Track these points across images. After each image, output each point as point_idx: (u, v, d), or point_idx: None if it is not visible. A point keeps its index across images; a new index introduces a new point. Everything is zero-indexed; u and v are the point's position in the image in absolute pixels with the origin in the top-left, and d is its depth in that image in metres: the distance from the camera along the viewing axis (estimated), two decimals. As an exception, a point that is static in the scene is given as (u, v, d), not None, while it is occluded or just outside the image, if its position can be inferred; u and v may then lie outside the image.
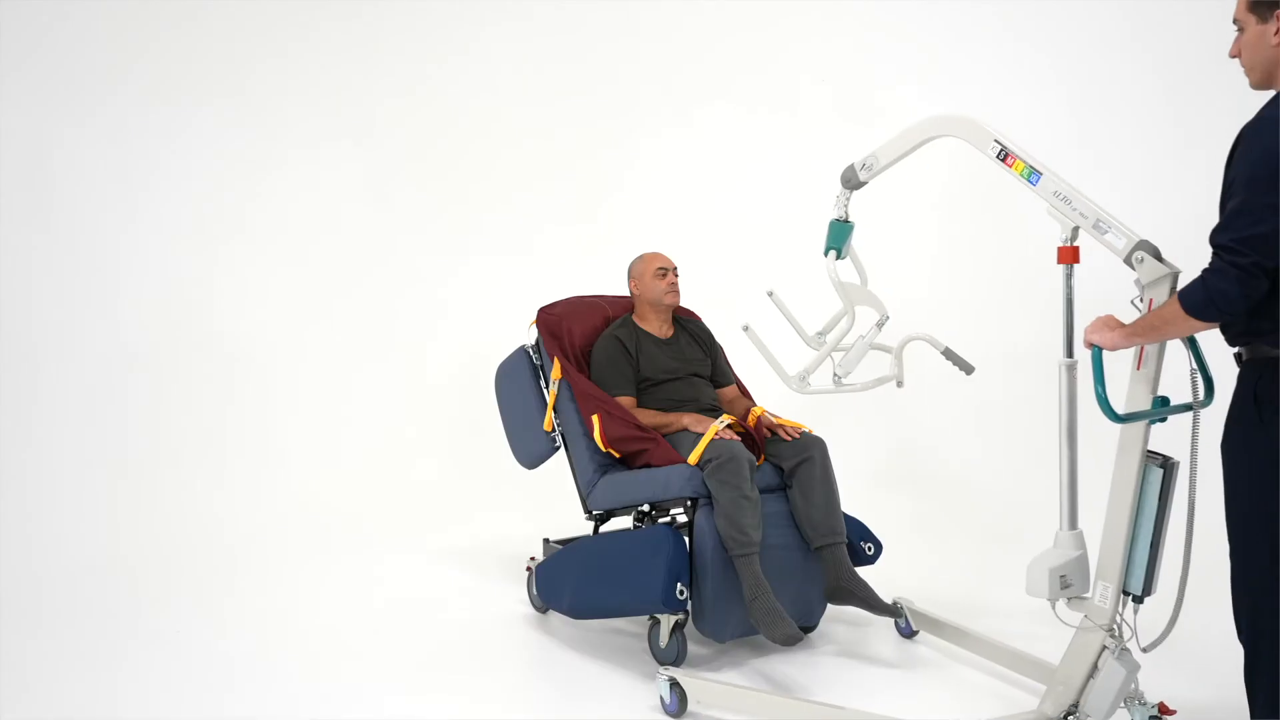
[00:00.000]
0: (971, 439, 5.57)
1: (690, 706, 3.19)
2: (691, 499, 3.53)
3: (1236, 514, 2.47)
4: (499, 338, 4.68)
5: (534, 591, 4.07)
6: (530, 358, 4.15)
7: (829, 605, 3.72)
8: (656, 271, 4.05)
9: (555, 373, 4.00)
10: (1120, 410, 2.60)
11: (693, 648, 3.60)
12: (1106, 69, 5.45)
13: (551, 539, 4.20)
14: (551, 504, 4.89)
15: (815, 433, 3.79)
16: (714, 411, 3.95)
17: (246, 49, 6.06)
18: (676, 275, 4.09)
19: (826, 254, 3.42)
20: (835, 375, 3.43)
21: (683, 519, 3.70)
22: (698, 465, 3.54)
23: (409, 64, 6.39)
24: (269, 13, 6.10)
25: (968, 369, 3.49)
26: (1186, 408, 2.66)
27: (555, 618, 4.02)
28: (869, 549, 3.80)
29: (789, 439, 3.72)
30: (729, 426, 3.67)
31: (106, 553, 4.81)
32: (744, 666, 3.53)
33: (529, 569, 4.13)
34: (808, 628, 3.70)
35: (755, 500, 3.46)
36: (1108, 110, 5.43)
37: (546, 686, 3.54)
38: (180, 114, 5.92)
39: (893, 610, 3.51)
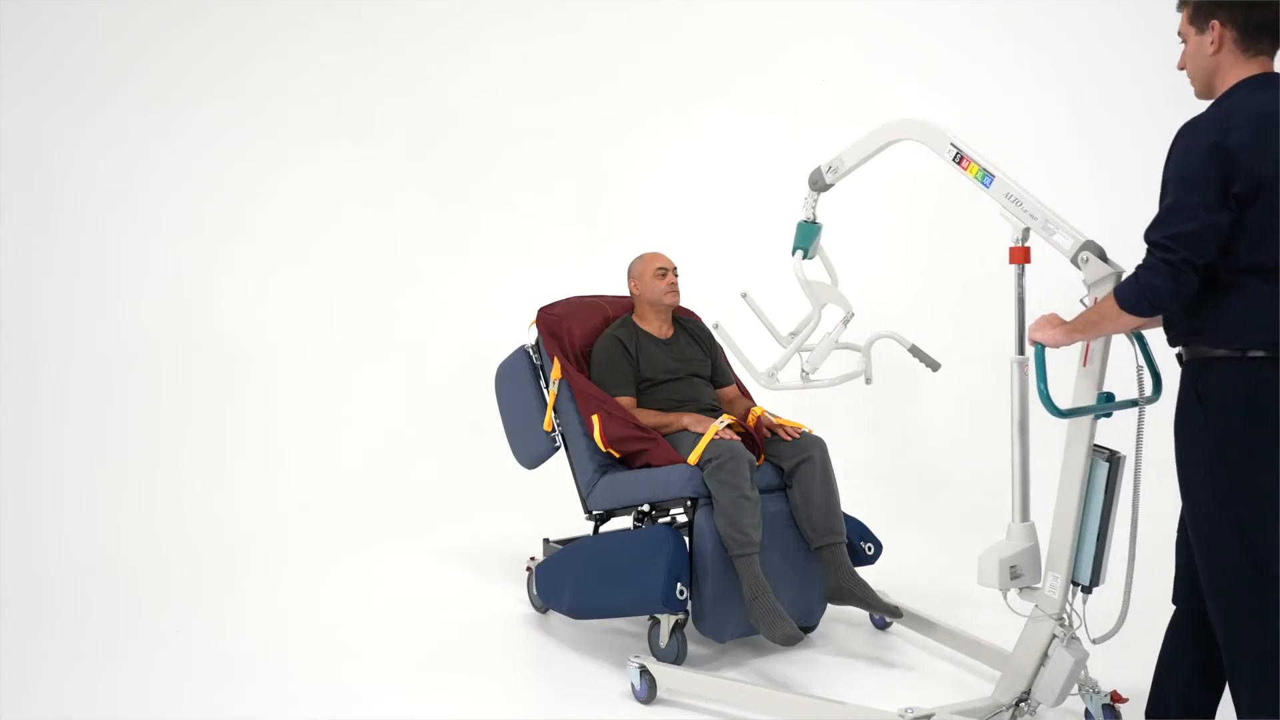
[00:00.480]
0: (971, 438, 5.57)
1: (660, 694, 3.26)
2: (691, 499, 3.53)
3: (1197, 514, 2.49)
4: (499, 338, 4.68)
5: (534, 591, 4.07)
6: (530, 358, 4.15)
7: (829, 605, 3.73)
8: (656, 271, 4.05)
9: (555, 373, 4.00)
10: (1068, 406, 2.68)
11: (693, 648, 3.60)
12: (1106, 69, 5.46)
13: (551, 539, 4.20)
14: (551, 504, 4.89)
15: (815, 433, 3.80)
16: (714, 411, 3.95)
17: (246, 49, 6.06)
18: (676, 275, 4.09)
19: (794, 254, 3.48)
20: (803, 372, 3.47)
21: (683, 519, 3.70)
22: (698, 465, 3.54)
23: (409, 64, 6.38)
24: (269, 13, 6.10)
25: (934, 365, 3.56)
26: (1131, 404, 2.73)
27: (555, 618, 4.02)
28: (869, 549, 3.81)
29: (789, 439, 3.73)
30: (729, 426, 3.67)
31: (106, 553, 4.82)
32: (744, 666, 3.53)
33: (529, 569, 4.13)
34: (808, 628, 3.70)
35: (755, 500, 3.46)
36: (1108, 110, 5.44)
37: (546, 686, 3.54)
38: (180, 114, 5.92)
39: (893, 610, 3.51)
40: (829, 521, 3.58)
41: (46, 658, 3.74)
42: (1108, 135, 5.42)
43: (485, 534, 5.12)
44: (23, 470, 5.27)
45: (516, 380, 4.18)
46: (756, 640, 3.68)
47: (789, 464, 3.65)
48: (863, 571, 3.73)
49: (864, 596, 3.50)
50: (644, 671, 3.28)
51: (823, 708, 3.03)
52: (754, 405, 4.01)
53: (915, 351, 3.55)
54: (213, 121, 6.00)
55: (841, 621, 3.90)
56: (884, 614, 3.53)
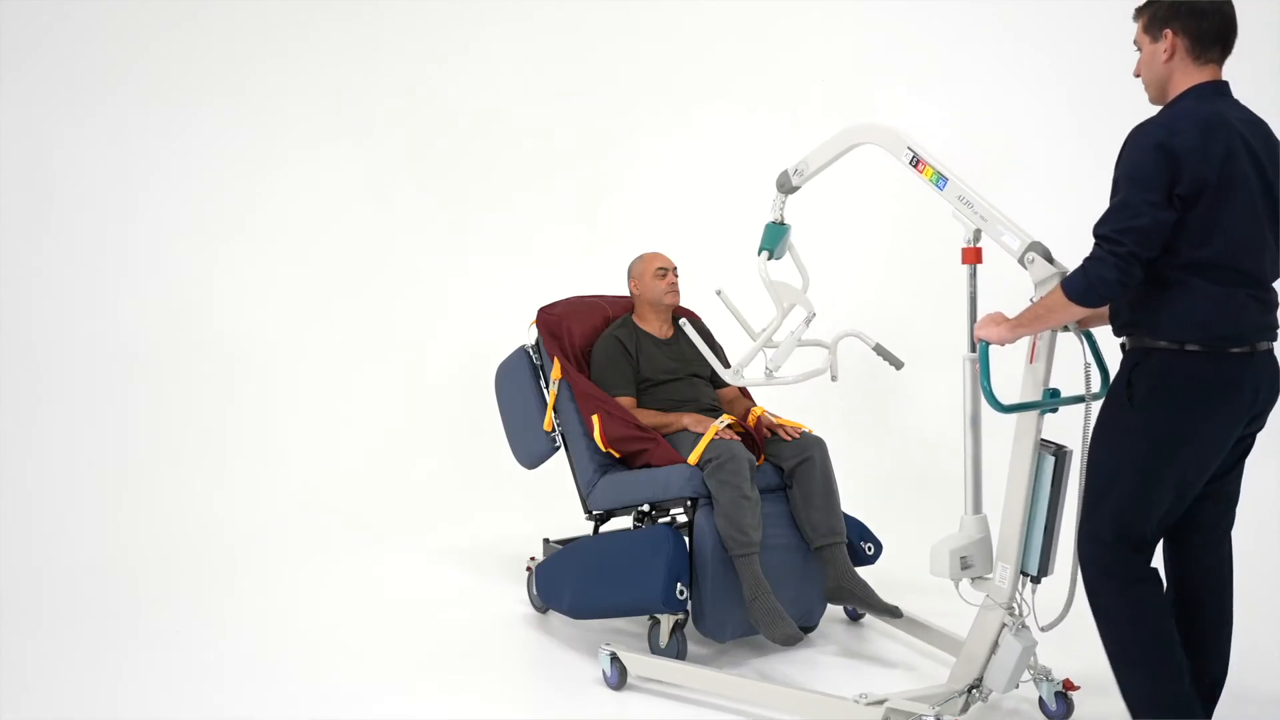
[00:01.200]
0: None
1: (630, 680, 3.38)
2: (691, 499, 3.54)
3: (1088, 491, 2.66)
4: (499, 338, 4.68)
5: (534, 591, 4.07)
6: (530, 358, 4.15)
7: (829, 605, 3.73)
8: (656, 271, 4.05)
9: (555, 372, 4.00)
10: (1016, 401, 2.81)
11: (693, 647, 3.60)
12: (1106, 69, 5.45)
13: (551, 539, 4.20)
14: (551, 504, 4.89)
15: (815, 433, 3.80)
16: (714, 412, 3.95)
17: (247, 49, 6.06)
18: (676, 275, 4.09)
19: (759, 254, 3.54)
20: (766, 369, 3.52)
21: (683, 519, 3.71)
22: (698, 465, 3.54)
23: (409, 64, 6.38)
24: (269, 14, 6.10)
25: (897, 364, 3.59)
26: (1076, 399, 2.84)
27: (555, 618, 4.03)
28: (869, 549, 3.81)
29: (789, 439, 3.73)
30: (729, 426, 3.68)
31: (106, 553, 4.82)
32: (744, 666, 3.53)
33: (529, 569, 4.14)
34: (808, 628, 3.70)
35: (755, 500, 3.47)
36: (1108, 110, 5.43)
37: (546, 686, 3.54)
38: (180, 114, 5.92)
39: (892, 610, 3.51)
40: (829, 521, 3.58)
41: (46, 658, 3.74)
42: (1108, 135, 5.40)
43: (485, 534, 5.12)
44: (23, 471, 5.27)
45: (516, 380, 4.18)
46: (756, 640, 3.68)
47: (789, 464, 3.66)
48: (862, 570, 3.74)
49: (864, 596, 3.50)
50: (615, 659, 3.37)
51: (780, 693, 3.17)
52: (754, 405, 4.01)
53: (879, 350, 3.60)
54: (213, 121, 6.00)
55: (842, 621, 3.90)
56: (884, 614, 3.53)
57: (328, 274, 6.22)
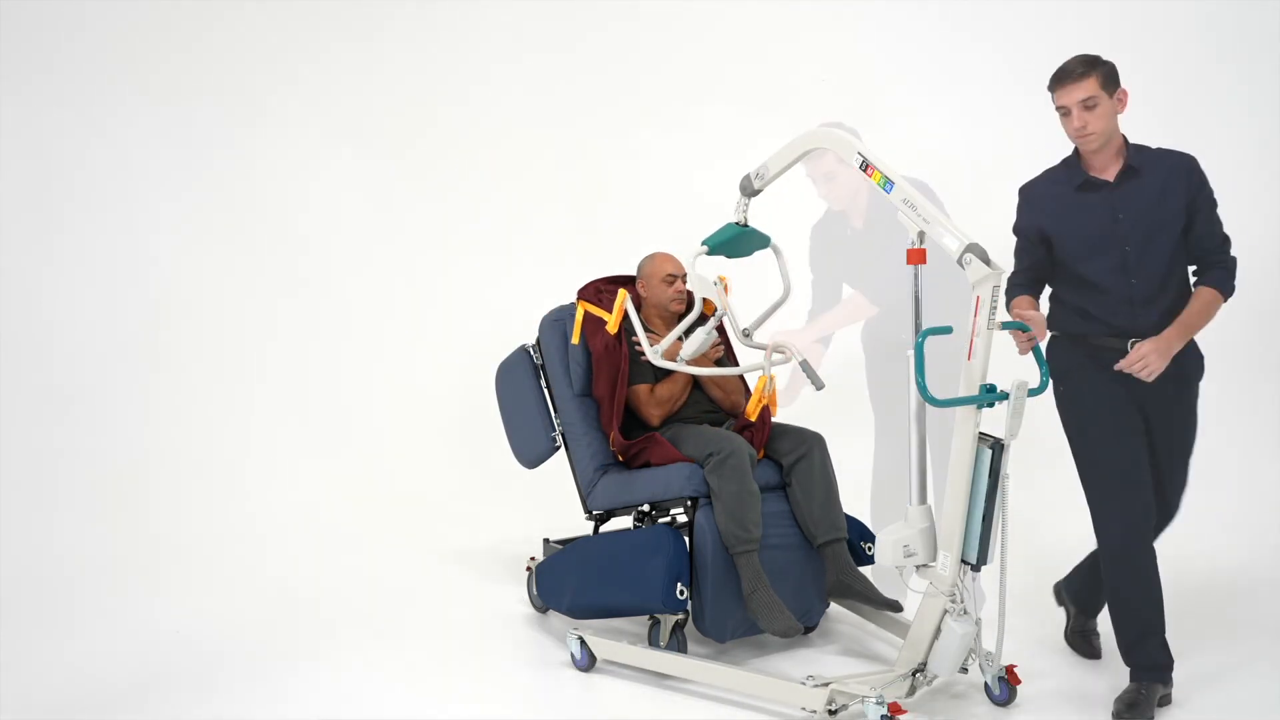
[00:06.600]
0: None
1: (599, 663, 3.53)
2: (691, 499, 3.54)
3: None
4: (499, 337, 4.68)
5: (534, 591, 4.08)
6: (530, 357, 4.15)
7: (830, 604, 3.74)
8: (665, 278, 4.00)
9: (612, 327, 3.89)
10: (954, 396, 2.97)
11: (693, 647, 3.60)
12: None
13: (551, 539, 4.21)
14: (551, 504, 4.88)
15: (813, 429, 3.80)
16: (713, 415, 3.94)
17: (248, 51, 6.07)
18: (685, 282, 4.03)
19: (701, 244, 3.61)
20: (679, 356, 3.63)
21: (683, 519, 3.71)
22: (699, 463, 3.54)
23: (404, 61, 6.38)
24: (275, 20, 6.11)
25: (818, 384, 3.58)
26: (1006, 396, 2.96)
27: (555, 618, 4.03)
28: (869, 549, 3.81)
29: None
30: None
31: (106, 553, 4.81)
32: (745, 665, 3.53)
33: (529, 569, 4.14)
34: (809, 627, 3.71)
35: (757, 495, 3.48)
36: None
37: (546, 686, 3.54)
38: (181, 115, 5.92)
39: (893, 604, 3.51)
40: (830, 517, 3.59)
41: (45, 657, 3.75)
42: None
43: (485, 534, 5.12)
44: (22, 471, 5.27)
45: (517, 379, 4.18)
46: (757, 640, 3.68)
47: (788, 460, 3.66)
48: (862, 570, 3.74)
49: (864, 591, 3.51)
50: (583, 642, 3.51)
51: (733, 674, 3.27)
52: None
53: (804, 366, 3.59)
54: (213, 122, 6.00)
55: (843, 620, 3.90)
56: (885, 609, 3.53)
57: (328, 275, 6.21)
